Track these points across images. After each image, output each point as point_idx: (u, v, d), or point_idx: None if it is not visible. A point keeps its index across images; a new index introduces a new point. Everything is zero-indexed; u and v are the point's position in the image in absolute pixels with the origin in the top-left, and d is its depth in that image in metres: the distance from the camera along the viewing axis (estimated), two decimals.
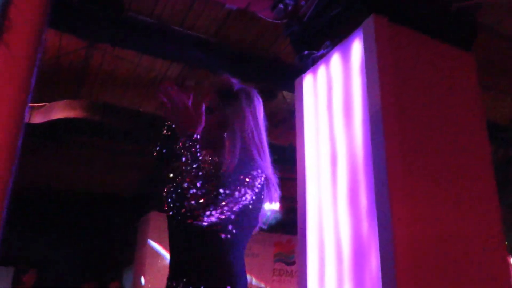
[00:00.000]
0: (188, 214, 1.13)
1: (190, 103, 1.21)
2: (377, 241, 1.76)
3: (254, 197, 1.22)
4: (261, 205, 1.32)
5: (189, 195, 1.10)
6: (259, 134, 1.36)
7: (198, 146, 1.15)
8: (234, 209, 1.17)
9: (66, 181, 5.30)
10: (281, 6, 2.45)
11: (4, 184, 0.81)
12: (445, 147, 2.00)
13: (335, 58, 2.25)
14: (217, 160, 1.29)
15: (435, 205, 1.84)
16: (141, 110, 3.92)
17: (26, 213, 5.81)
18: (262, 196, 1.30)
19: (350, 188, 2.02)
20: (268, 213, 1.46)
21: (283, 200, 4.71)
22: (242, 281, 1.22)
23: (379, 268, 1.72)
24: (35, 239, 6.06)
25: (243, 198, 1.17)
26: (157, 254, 4.75)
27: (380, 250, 1.73)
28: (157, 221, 4.83)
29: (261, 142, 1.35)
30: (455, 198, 1.90)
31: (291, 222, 5.30)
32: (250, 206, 1.22)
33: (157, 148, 1.52)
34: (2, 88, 0.85)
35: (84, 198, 5.77)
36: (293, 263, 5.31)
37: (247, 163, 1.23)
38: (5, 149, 0.77)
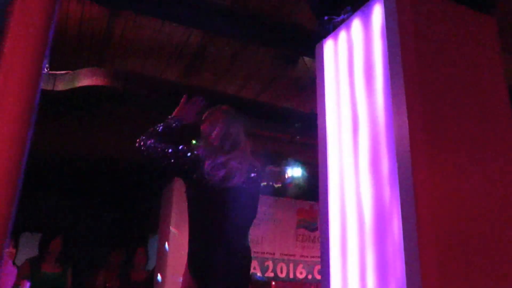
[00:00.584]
0: None
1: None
2: (399, 207, 1.75)
3: None
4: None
5: None
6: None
7: None
8: None
9: (91, 149, 5.41)
10: None
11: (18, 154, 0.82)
12: (467, 112, 1.95)
13: (356, 23, 2.20)
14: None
15: (458, 171, 1.81)
16: (163, 77, 3.93)
17: (53, 180, 5.99)
18: None
19: (371, 154, 2.00)
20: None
21: (305, 166, 4.77)
22: None
23: (401, 234, 1.72)
24: (61, 206, 6.26)
25: None
26: (180, 222, 4.85)
27: (402, 216, 1.72)
28: (180, 189, 4.92)
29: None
30: (478, 164, 1.87)
31: (313, 189, 5.32)
32: None
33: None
34: (16, 57, 0.87)
35: (109, 166, 5.89)
36: (316, 229, 5.36)
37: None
38: (19, 118, 0.78)
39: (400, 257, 1.72)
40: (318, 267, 5.27)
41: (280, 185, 5.58)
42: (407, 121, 1.76)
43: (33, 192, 5.91)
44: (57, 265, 4.19)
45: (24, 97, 0.86)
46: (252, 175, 2.25)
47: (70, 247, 4.79)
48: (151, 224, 5.63)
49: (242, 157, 2.22)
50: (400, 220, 1.73)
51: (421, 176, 1.73)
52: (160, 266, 4.91)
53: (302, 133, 4.39)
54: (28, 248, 4.75)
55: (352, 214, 2.08)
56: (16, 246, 3.23)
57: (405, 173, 1.75)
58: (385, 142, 1.95)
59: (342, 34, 2.30)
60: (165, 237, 4.94)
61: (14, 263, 3.54)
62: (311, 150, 4.72)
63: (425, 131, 1.81)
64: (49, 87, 3.58)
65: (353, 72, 2.19)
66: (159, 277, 4.88)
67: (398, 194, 1.77)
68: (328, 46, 2.41)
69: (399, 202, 1.76)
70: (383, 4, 1.99)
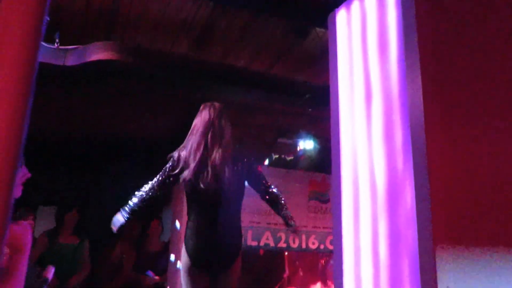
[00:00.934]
0: None
1: None
2: (412, 176, 1.76)
3: None
4: None
5: None
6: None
7: None
8: None
9: (101, 123, 5.45)
10: None
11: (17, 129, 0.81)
12: (481, 82, 1.93)
13: None
14: None
15: (471, 140, 1.80)
16: (172, 51, 3.92)
17: (65, 156, 6.06)
18: None
19: (385, 125, 2.00)
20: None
21: (317, 139, 4.77)
22: None
23: (414, 203, 1.73)
24: (76, 180, 6.35)
25: None
26: None
27: (415, 185, 1.73)
28: None
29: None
30: (491, 133, 1.86)
31: (325, 161, 5.34)
32: None
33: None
34: (11, 29, 0.85)
35: (122, 141, 5.95)
36: (328, 201, 5.40)
37: None
38: (15, 91, 0.78)
39: (412, 225, 1.74)
40: (330, 237, 5.33)
41: (292, 157, 5.61)
42: (421, 91, 1.75)
43: (46, 167, 6.01)
44: (74, 237, 4.29)
45: (21, 70, 0.85)
46: (236, 168, 2.61)
47: (86, 219, 4.89)
48: (165, 198, 5.71)
49: (224, 154, 2.58)
50: (413, 189, 1.74)
51: (435, 145, 1.72)
52: (174, 239, 5.01)
53: (314, 105, 4.37)
54: (45, 221, 4.85)
55: (365, 185, 2.09)
56: (34, 219, 3.32)
57: (419, 142, 1.75)
58: (398, 112, 1.94)
59: (355, 3, 2.26)
60: (176, 213, 5.02)
61: (33, 235, 3.63)
62: (323, 123, 4.70)
63: (439, 101, 1.80)
64: (60, 62, 3.59)
65: (366, 42, 2.16)
66: (172, 257, 4.97)
67: (411, 163, 1.78)
68: (341, 16, 2.38)
69: (412, 171, 1.76)
70: None
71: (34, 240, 4.29)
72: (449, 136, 1.78)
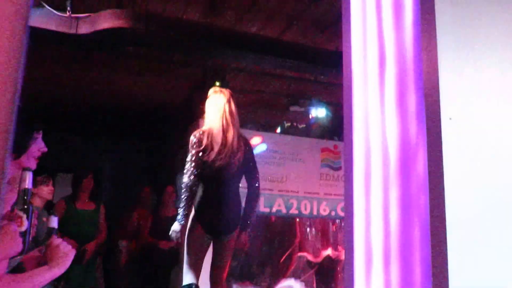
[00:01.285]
0: None
1: None
2: (425, 143, 1.75)
3: None
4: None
5: None
6: None
7: None
8: None
9: (114, 91, 5.47)
10: None
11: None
12: (500, 48, 1.88)
13: None
14: None
15: (488, 107, 1.77)
16: (184, 18, 3.87)
17: (80, 123, 6.13)
18: None
19: (398, 90, 1.98)
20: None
21: (329, 106, 4.77)
22: None
23: (426, 170, 1.73)
24: (91, 147, 6.43)
25: None
26: None
27: (428, 151, 1.72)
28: None
29: None
30: (509, 102, 1.82)
31: (337, 129, 5.32)
32: None
33: None
34: None
35: (135, 108, 5.98)
36: (339, 168, 5.42)
37: None
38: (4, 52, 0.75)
39: (424, 192, 1.74)
40: (341, 204, 5.38)
41: (304, 125, 5.60)
42: (436, 56, 1.72)
43: (63, 134, 6.09)
44: (90, 203, 4.40)
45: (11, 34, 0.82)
46: (242, 148, 2.99)
47: (102, 185, 4.98)
48: (178, 163, 5.77)
49: (236, 135, 2.97)
50: (426, 155, 1.73)
51: (449, 110, 1.70)
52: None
53: (326, 72, 4.33)
54: (62, 187, 4.97)
55: (377, 151, 2.08)
56: (53, 185, 3.40)
57: (432, 107, 1.73)
58: (412, 77, 1.91)
59: None
60: None
61: (51, 201, 3.73)
62: (336, 90, 4.66)
63: (455, 66, 1.76)
64: (72, 30, 3.58)
65: (381, 5, 2.11)
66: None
67: (424, 129, 1.76)
68: None
69: (425, 137, 1.75)
70: None
71: (53, 206, 4.41)
72: (463, 102, 1.75)
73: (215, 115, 3.01)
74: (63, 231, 3.99)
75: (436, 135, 1.70)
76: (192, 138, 2.96)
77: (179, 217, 3.00)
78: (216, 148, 2.90)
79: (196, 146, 2.93)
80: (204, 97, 5.13)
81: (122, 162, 6.78)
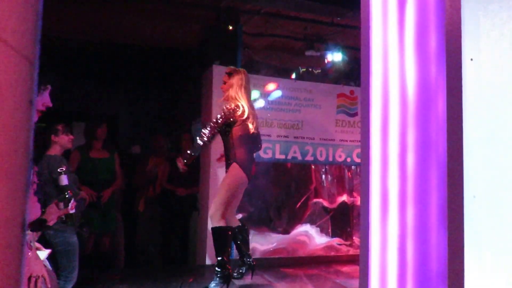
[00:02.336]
0: None
1: None
2: (445, 86, 1.69)
3: None
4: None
5: None
6: None
7: None
8: None
9: (128, 35, 5.39)
10: None
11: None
12: None
13: None
14: None
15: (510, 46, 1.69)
16: None
17: (93, 70, 6.08)
18: None
19: (418, 30, 1.89)
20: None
21: (346, 50, 4.63)
22: None
23: (445, 113, 1.68)
24: (104, 95, 6.42)
25: None
26: (219, 110, 4.92)
27: (447, 93, 1.67)
28: (220, 75, 4.92)
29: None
30: None
31: (354, 73, 5.20)
32: None
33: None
34: None
35: (147, 53, 5.90)
36: (356, 114, 5.35)
37: None
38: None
39: (442, 135, 1.70)
40: (357, 150, 5.36)
41: (319, 70, 5.48)
42: None
43: (76, 81, 6.09)
44: (104, 151, 4.46)
45: None
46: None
47: (115, 133, 5.03)
48: (193, 111, 5.77)
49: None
50: (445, 97, 1.68)
51: (471, 52, 1.63)
52: (205, 151, 5.13)
53: (344, 13, 4.17)
54: (77, 135, 5.04)
55: (395, 95, 2.03)
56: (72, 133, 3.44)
57: (454, 49, 1.65)
58: (434, 19, 1.82)
59: None
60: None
61: (69, 150, 3.78)
62: (353, 32, 4.51)
63: (478, 8, 1.67)
64: None
65: None
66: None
67: (445, 72, 1.70)
68: None
69: (445, 80, 1.69)
70: None
71: (68, 156, 4.49)
72: (487, 43, 1.67)
73: (246, 92, 3.82)
74: (80, 180, 4.10)
75: (456, 77, 1.64)
76: (236, 108, 3.71)
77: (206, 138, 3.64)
78: (254, 121, 3.81)
79: (240, 114, 3.70)
80: (218, 41, 5.05)
81: (137, 110, 6.79)
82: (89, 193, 4.09)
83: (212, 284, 3.54)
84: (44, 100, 1.56)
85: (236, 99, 3.74)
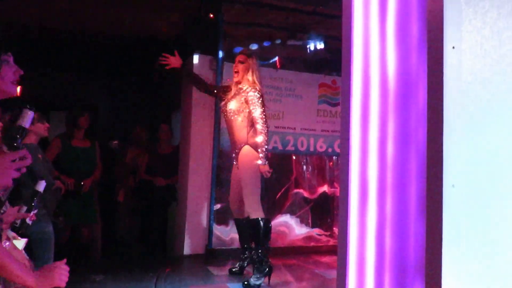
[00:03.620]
0: None
1: None
2: (426, 74, 1.67)
3: None
4: None
5: None
6: None
7: None
8: None
9: (108, 25, 5.27)
10: None
11: None
12: None
13: None
14: None
15: (498, 34, 1.67)
16: None
17: (75, 59, 5.95)
18: None
19: (399, 18, 1.86)
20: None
21: (328, 40, 4.60)
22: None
23: (426, 102, 1.67)
24: (85, 85, 6.29)
25: None
26: (202, 100, 4.86)
27: (428, 82, 1.65)
28: (200, 64, 4.85)
29: None
30: None
31: (336, 63, 5.18)
32: None
33: None
34: None
35: (127, 42, 5.78)
36: (337, 104, 5.34)
37: None
38: None
39: (423, 124, 1.68)
40: (338, 141, 5.35)
41: (302, 60, 5.44)
42: None
43: (57, 71, 5.95)
44: (86, 140, 4.38)
45: None
46: None
47: (97, 123, 4.93)
48: (173, 102, 5.69)
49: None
50: (426, 86, 1.66)
51: (453, 43, 1.61)
52: (184, 142, 5.07)
53: (326, 2, 4.13)
54: (56, 125, 4.93)
55: (376, 84, 2.01)
56: (48, 122, 3.36)
57: (435, 39, 1.63)
58: (415, 5, 1.80)
59: None
60: (187, 113, 5.02)
61: (47, 138, 3.70)
62: (336, 22, 4.47)
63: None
64: None
65: None
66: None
67: (426, 60, 1.68)
68: None
69: (426, 68, 1.67)
70: None
71: (49, 143, 4.38)
72: (469, 30, 1.65)
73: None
74: (60, 168, 4.00)
75: (437, 66, 1.62)
76: (260, 95, 3.71)
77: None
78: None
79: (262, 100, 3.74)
80: (198, 30, 4.96)
81: (117, 100, 6.67)
82: (66, 182, 4.01)
83: (253, 279, 3.44)
84: (12, 68, 1.47)
85: (255, 83, 3.72)
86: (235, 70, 3.80)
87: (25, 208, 1.96)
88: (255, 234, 3.56)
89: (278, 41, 5.07)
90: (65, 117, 4.53)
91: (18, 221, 1.94)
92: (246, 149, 3.68)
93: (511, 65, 1.70)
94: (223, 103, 3.88)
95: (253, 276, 3.45)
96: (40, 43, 5.42)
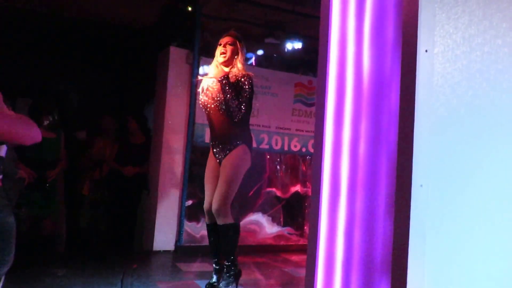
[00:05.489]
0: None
1: None
2: (399, 75, 1.69)
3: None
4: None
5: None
6: None
7: None
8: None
9: (81, 9, 5.14)
10: None
11: None
12: None
13: None
14: None
15: (470, 37, 1.71)
16: None
17: (43, 44, 5.74)
18: None
19: (375, 20, 1.89)
20: None
21: (305, 40, 4.62)
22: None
23: (398, 104, 1.69)
24: (52, 71, 6.09)
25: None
26: (177, 91, 4.81)
27: (401, 84, 1.67)
28: (176, 57, 4.79)
29: None
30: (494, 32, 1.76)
31: (313, 63, 5.21)
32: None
33: None
34: None
35: (100, 29, 5.64)
36: (312, 104, 5.38)
37: None
38: None
39: (394, 125, 1.71)
40: (312, 141, 5.40)
41: (278, 58, 5.46)
42: None
43: (23, 56, 5.74)
44: (50, 131, 4.25)
45: None
46: None
47: (63, 112, 4.79)
48: (146, 94, 5.59)
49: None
50: (399, 87, 1.69)
51: (426, 43, 1.64)
52: (157, 135, 5.01)
53: (305, 2, 4.15)
54: (20, 112, 4.76)
55: (350, 84, 2.03)
56: (14, 110, 3.24)
57: (410, 38, 1.66)
58: (392, 8, 1.82)
59: None
60: (161, 106, 4.95)
61: None
62: (314, 22, 4.50)
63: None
64: None
65: None
66: None
67: (399, 62, 1.70)
68: None
69: (399, 70, 1.70)
70: None
71: None
72: (442, 35, 1.68)
73: None
74: (23, 158, 3.86)
75: (410, 68, 1.65)
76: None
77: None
78: None
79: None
80: (175, 22, 4.90)
81: (86, 87, 6.48)
82: (28, 173, 3.88)
83: (223, 284, 3.20)
84: None
85: (243, 70, 3.27)
86: (223, 51, 3.28)
87: None
88: (229, 239, 3.20)
89: (255, 38, 5.06)
90: (29, 106, 4.38)
91: None
92: (242, 148, 3.26)
93: (480, 71, 1.74)
94: (205, 92, 3.33)
95: (223, 281, 3.23)
96: (9, 25, 5.23)
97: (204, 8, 4.76)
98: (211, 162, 3.37)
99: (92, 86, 6.40)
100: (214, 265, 3.32)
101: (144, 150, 5.03)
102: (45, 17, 5.36)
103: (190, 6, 4.69)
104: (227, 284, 3.19)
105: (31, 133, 1.61)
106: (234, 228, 3.20)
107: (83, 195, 4.85)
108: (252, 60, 5.30)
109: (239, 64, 3.26)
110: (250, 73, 3.26)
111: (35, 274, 3.47)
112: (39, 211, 4.15)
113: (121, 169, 4.83)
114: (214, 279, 3.28)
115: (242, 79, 3.19)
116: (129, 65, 6.08)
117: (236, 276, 3.24)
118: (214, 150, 3.32)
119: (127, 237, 5.00)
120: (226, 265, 3.21)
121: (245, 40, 3.45)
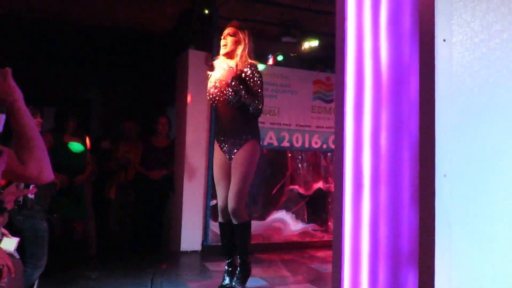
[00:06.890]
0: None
1: None
2: (417, 66, 1.70)
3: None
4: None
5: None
6: None
7: None
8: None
9: (101, 17, 5.25)
10: None
11: None
12: None
13: None
14: None
15: (488, 26, 1.70)
16: None
17: (64, 53, 5.88)
18: None
19: (392, 11, 1.89)
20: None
21: (322, 37, 4.63)
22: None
23: (418, 93, 1.69)
24: (75, 80, 6.24)
25: None
26: (198, 94, 4.87)
27: (420, 74, 1.68)
28: (195, 59, 4.86)
29: None
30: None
31: (331, 60, 5.21)
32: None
33: None
34: None
35: (120, 36, 5.75)
36: (331, 101, 5.37)
37: None
38: None
39: (415, 115, 1.71)
40: (333, 137, 5.39)
41: (296, 57, 5.47)
42: None
43: (46, 66, 5.90)
44: (76, 136, 4.35)
45: None
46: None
47: (89, 118, 4.88)
48: (168, 98, 5.68)
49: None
50: (418, 78, 1.69)
51: (444, 33, 1.64)
52: (180, 138, 5.08)
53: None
54: (46, 121, 4.87)
55: (369, 76, 2.03)
56: (42, 117, 3.33)
57: (427, 26, 1.66)
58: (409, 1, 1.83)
59: None
60: (182, 108, 5.02)
61: (41, 132, 3.67)
62: (330, 19, 4.50)
63: None
64: None
65: None
66: None
67: (418, 52, 1.70)
68: None
69: (418, 61, 1.70)
70: None
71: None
72: (460, 24, 1.68)
73: None
74: (52, 164, 3.95)
75: (429, 58, 1.65)
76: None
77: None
78: None
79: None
80: (193, 25, 4.96)
81: (109, 94, 6.62)
82: (60, 178, 3.99)
83: (237, 283, 3.20)
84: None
85: (246, 59, 3.19)
86: (224, 43, 3.24)
87: (22, 184, 1.94)
88: (245, 237, 3.20)
89: (273, 37, 5.08)
90: (54, 113, 4.48)
91: (21, 198, 1.92)
92: (252, 143, 3.20)
93: (500, 58, 1.72)
94: (214, 85, 3.26)
95: (237, 280, 3.22)
96: (31, 35, 5.38)
97: (220, 10, 4.82)
98: (219, 158, 3.29)
99: (113, 92, 6.53)
100: (226, 266, 3.30)
101: (168, 152, 5.12)
102: (67, 28, 5.50)
103: (207, 9, 4.75)
104: (241, 283, 3.19)
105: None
106: (249, 226, 3.23)
107: (110, 199, 4.95)
108: (271, 59, 5.33)
109: (238, 52, 3.17)
110: (253, 61, 3.19)
111: (69, 277, 3.58)
112: (70, 215, 4.26)
113: (148, 173, 4.93)
114: (227, 281, 3.25)
115: (248, 72, 3.14)
116: (149, 70, 6.18)
117: (248, 275, 3.26)
118: (222, 145, 3.25)
119: (155, 238, 5.09)
120: (240, 263, 3.21)
121: (263, 40, 3.46)
